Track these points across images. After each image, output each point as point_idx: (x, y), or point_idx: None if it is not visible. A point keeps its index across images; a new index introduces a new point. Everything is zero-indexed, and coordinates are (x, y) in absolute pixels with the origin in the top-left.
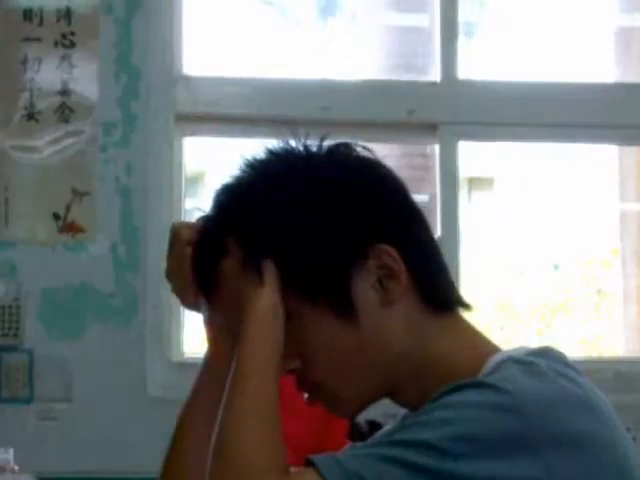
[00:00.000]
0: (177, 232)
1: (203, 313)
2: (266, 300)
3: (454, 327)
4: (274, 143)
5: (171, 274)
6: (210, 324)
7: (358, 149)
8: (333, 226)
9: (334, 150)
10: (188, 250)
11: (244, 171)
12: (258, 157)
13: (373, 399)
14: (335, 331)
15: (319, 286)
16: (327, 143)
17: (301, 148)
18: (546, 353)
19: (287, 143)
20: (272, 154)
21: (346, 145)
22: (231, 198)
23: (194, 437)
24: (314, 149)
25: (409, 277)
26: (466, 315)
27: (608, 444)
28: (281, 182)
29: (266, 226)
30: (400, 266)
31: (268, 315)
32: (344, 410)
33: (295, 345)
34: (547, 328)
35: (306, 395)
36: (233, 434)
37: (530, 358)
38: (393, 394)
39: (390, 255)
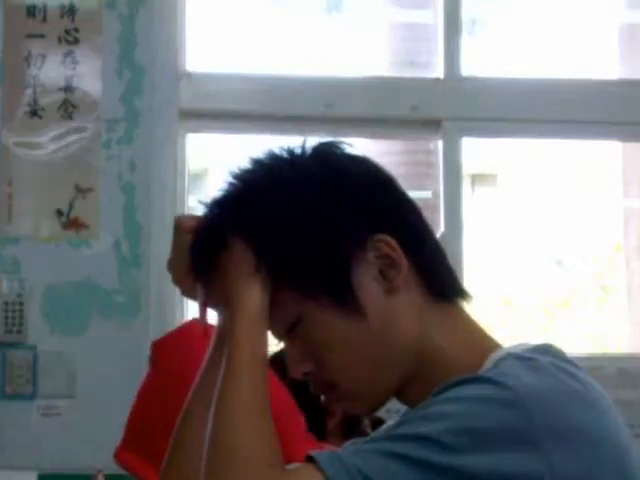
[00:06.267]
0: (179, 223)
1: (198, 296)
2: (255, 300)
3: (455, 318)
4: (276, 140)
5: (172, 263)
6: (204, 305)
7: (342, 146)
8: (327, 223)
9: (318, 150)
10: (188, 238)
11: (231, 183)
12: (243, 168)
13: (388, 395)
14: (344, 328)
15: (321, 284)
16: (310, 144)
17: (284, 153)
18: (546, 349)
19: (270, 150)
20: (256, 163)
21: (330, 144)
22: (223, 210)
23: (198, 425)
24: (298, 152)
25: (409, 265)
26: (468, 309)
27: (608, 439)
28: (268, 189)
29: (259, 234)
30: (399, 254)
31: (256, 314)
32: (361, 407)
33: (307, 348)
34: (550, 324)
35: (323, 397)
36: (226, 429)
37: (530, 354)
38: (400, 392)
39: (388, 244)
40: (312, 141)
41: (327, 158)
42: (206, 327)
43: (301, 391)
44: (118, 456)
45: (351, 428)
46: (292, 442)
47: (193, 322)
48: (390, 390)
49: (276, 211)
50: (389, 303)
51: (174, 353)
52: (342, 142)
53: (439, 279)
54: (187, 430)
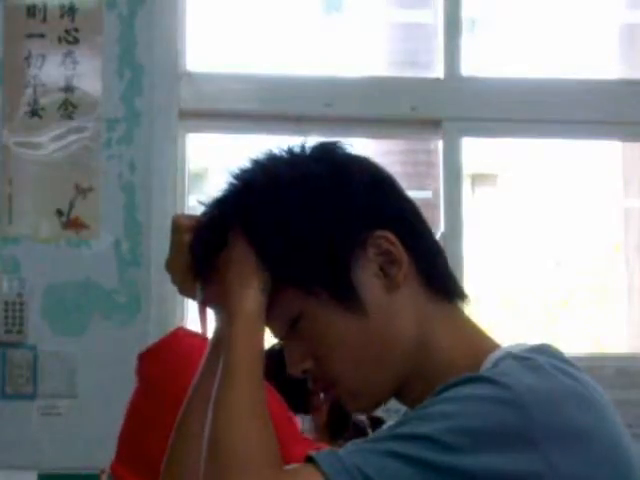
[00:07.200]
0: (177, 223)
1: (198, 296)
2: (253, 299)
3: (454, 318)
4: (275, 140)
5: (170, 263)
6: (203, 304)
7: (342, 146)
8: (327, 220)
9: (317, 149)
10: (187, 237)
11: (231, 183)
12: (243, 167)
13: (388, 393)
14: (345, 324)
15: (322, 282)
16: (310, 144)
17: (284, 153)
18: (544, 349)
19: (269, 150)
20: (256, 163)
21: (329, 143)
22: (223, 209)
23: (197, 424)
24: (297, 151)
25: (409, 261)
26: (467, 309)
27: (607, 439)
28: (268, 188)
29: (260, 232)
30: (400, 250)
31: (254, 313)
32: (361, 405)
33: (307, 345)
34: (550, 324)
35: (322, 394)
36: (225, 430)
37: (529, 354)
38: (400, 392)
39: (389, 240)
40: (312, 141)
41: (326, 157)
42: (204, 333)
43: (286, 390)
44: (112, 469)
45: (336, 427)
46: (288, 443)
47: (179, 330)
48: (390, 388)
49: (276, 209)
50: (390, 299)
51: (164, 361)
52: (342, 142)
53: (439, 276)
54: (187, 428)
